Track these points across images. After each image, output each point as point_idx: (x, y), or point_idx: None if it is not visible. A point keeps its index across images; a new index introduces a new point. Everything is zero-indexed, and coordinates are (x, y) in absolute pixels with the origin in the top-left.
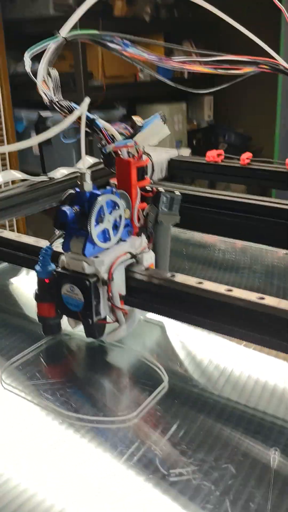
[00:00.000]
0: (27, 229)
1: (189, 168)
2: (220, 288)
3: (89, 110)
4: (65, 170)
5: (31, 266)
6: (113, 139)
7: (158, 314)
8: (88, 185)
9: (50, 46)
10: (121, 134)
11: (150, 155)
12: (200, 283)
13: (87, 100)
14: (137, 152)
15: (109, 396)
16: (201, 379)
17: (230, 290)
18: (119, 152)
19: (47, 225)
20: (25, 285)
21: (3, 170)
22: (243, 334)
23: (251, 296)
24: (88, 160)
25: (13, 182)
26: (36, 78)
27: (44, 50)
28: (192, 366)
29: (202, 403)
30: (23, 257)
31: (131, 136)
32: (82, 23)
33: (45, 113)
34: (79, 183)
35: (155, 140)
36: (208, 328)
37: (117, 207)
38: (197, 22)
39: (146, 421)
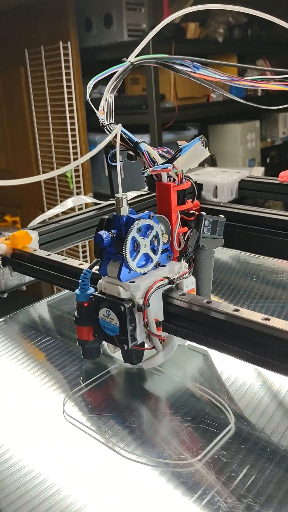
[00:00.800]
0: None
1: (261, 189)
2: (256, 317)
3: (160, 132)
4: (133, 193)
5: None
6: (154, 162)
7: (194, 342)
8: (124, 210)
9: (116, 72)
10: (163, 157)
11: (191, 178)
12: (236, 310)
13: (118, 126)
14: (177, 175)
15: (172, 435)
16: (268, 424)
17: (267, 319)
18: (160, 176)
19: None
20: None
21: (77, 193)
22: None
23: None
24: None
25: (86, 205)
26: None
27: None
28: (252, 406)
29: (271, 451)
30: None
31: (171, 160)
32: (156, 47)
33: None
34: (116, 207)
35: (195, 163)
36: (246, 360)
37: (154, 232)
38: (271, 40)
39: (211, 466)
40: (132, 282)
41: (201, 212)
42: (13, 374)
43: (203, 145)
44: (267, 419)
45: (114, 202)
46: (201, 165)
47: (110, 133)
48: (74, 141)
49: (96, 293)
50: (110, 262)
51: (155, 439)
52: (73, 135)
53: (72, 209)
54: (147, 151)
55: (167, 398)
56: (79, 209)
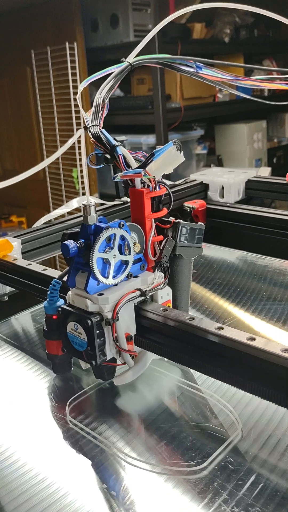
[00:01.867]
0: None
1: (268, 189)
2: (241, 337)
3: (166, 132)
4: None
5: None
6: (129, 167)
7: (169, 359)
8: (92, 218)
9: (113, 72)
10: (139, 162)
11: (166, 185)
12: (220, 328)
13: (81, 130)
14: (150, 181)
15: (178, 440)
16: (276, 430)
17: (253, 339)
18: (133, 182)
19: None
20: None
21: (83, 192)
22: (270, 394)
23: (276, 348)
24: None
25: None
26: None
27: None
28: (259, 411)
29: (279, 457)
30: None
31: (143, 165)
32: (162, 48)
33: (120, 137)
34: (83, 215)
35: (170, 168)
36: (225, 381)
37: (125, 241)
38: (277, 40)
39: (217, 473)
40: (101, 294)
41: (177, 220)
42: (16, 378)
43: (177, 150)
44: (274, 425)
45: (120, 202)
46: (208, 165)
47: (90, 134)
48: (80, 141)
49: (64, 306)
50: (78, 273)
51: (160, 445)
52: (79, 136)
53: (77, 210)
54: (123, 155)
55: (172, 402)
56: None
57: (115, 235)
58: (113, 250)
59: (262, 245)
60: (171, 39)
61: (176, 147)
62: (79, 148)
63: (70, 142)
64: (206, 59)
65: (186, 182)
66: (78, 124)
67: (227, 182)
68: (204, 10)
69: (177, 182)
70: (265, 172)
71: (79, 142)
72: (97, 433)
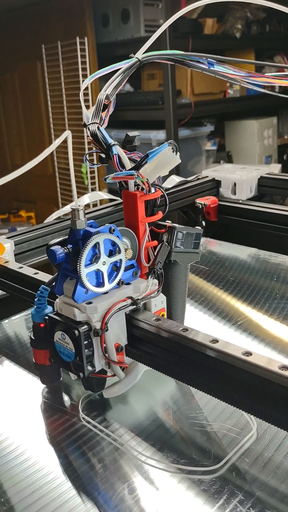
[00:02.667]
0: None
1: (280, 186)
2: (237, 351)
3: (176, 128)
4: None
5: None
6: (123, 168)
7: (161, 371)
8: (81, 222)
9: (121, 68)
10: (134, 163)
11: (161, 187)
12: (214, 341)
13: (67, 132)
14: (144, 184)
15: (192, 440)
16: None
17: (249, 354)
18: (127, 184)
19: None
20: None
21: (92, 189)
22: (267, 414)
23: (274, 365)
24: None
25: (101, 202)
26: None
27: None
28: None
29: None
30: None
31: (136, 167)
32: (173, 43)
33: (132, 133)
34: (72, 219)
35: (165, 171)
36: (219, 398)
37: (116, 247)
38: None
39: (232, 474)
40: (89, 303)
41: (173, 224)
42: (27, 375)
43: (173, 151)
44: None
45: None
46: (217, 161)
47: (88, 133)
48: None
49: (51, 314)
50: (67, 279)
51: (174, 444)
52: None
53: (87, 205)
54: (118, 155)
55: (186, 401)
56: (94, 205)
57: (106, 240)
58: (102, 257)
59: (275, 243)
60: (182, 35)
61: (172, 148)
62: (89, 143)
63: (57, 142)
64: (218, 56)
65: (198, 179)
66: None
67: (240, 178)
68: (216, 5)
69: (189, 179)
70: (275, 169)
71: (88, 137)
72: (110, 431)
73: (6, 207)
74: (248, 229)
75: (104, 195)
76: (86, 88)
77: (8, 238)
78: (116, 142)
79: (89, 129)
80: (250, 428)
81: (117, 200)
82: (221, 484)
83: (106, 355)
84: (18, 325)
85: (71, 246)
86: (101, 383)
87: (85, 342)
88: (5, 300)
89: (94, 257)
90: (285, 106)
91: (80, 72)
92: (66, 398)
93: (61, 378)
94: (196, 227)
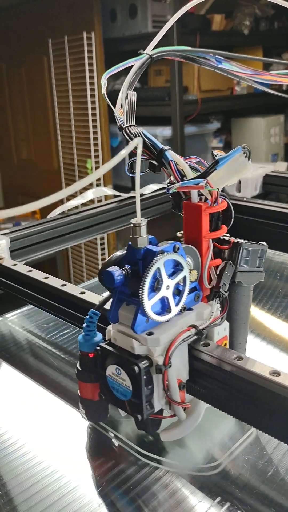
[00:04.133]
0: (117, 243)
1: (285, 184)
2: None
3: (182, 124)
4: (154, 186)
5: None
6: (183, 176)
7: (222, 409)
8: (142, 240)
9: (134, 65)
10: (194, 170)
11: (227, 197)
12: (275, 374)
13: (139, 139)
14: (211, 194)
15: (191, 437)
16: None
17: None
18: (188, 194)
19: None
20: None
21: (97, 185)
22: None
23: None
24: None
25: (105, 198)
26: (114, 97)
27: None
28: None
29: None
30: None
31: (204, 174)
32: (180, 39)
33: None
34: (132, 236)
35: (235, 179)
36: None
37: (180, 268)
38: None
39: (231, 471)
40: (150, 334)
41: (237, 239)
42: (20, 375)
43: (245, 156)
44: None
45: (134, 195)
46: None
47: (128, 137)
48: (95, 133)
49: (103, 344)
50: (122, 305)
51: (173, 441)
52: (94, 127)
53: (91, 201)
54: (174, 161)
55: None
56: (98, 201)
57: (170, 261)
58: (168, 280)
59: (279, 241)
60: (190, 31)
61: (245, 153)
62: (94, 139)
63: (126, 151)
64: (225, 52)
65: None
66: (94, 115)
67: (245, 176)
68: (224, 1)
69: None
70: (282, 167)
71: (94, 133)
72: (110, 428)
73: (11, 202)
74: (252, 227)
75: (108, 191)
76: (93, 83)
77: (3, 234)
78: (168, 147)
79: (130, 132)
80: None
81: (121, 196)
82: (219, 481)
83: (168, 393)
84: (13, 323)
85: (129, 266)
86: (156, 423)
87: (145, 379)
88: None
89: (157, 281)
90: None
91: (87, 67)
92: (68, 395)
93: (108, 415)
94: (261, 242)
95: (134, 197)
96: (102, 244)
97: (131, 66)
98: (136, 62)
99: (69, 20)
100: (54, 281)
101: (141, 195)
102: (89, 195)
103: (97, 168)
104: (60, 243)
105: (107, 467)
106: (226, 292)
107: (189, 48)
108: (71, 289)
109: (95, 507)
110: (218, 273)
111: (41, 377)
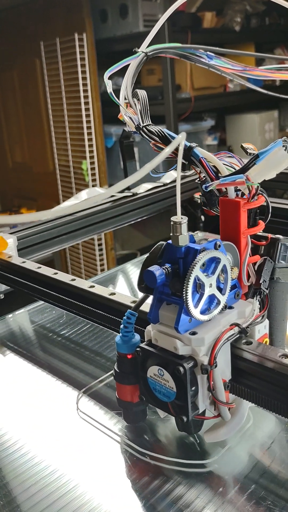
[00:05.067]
0: (114, 242)
1: (281, 180)
2: None
3: (176, 123)
4: (148, 185)
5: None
6: (216, 172)
7: (266, 408)
8: (184, 238)
9: (131, 64)
10: (225, 165)
11: (264, 192)
12: None
13: (184, 134)
14: (249, 190)
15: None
16: None
17: None
18: (224, 190)
19: (133, 238)
20: None
21: (93, 184)
22: None
23: None
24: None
25: None
26: (106, 98)
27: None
28: None
29: None
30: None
31: (243, 169)
32: (172, 37)
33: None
34: (172, 235)
35: (273, 173)
36: None
37: (222, 266)
38: None
39: (227, 467)
40: (194, 333)
41: (275, 235)
42: (25, 371)
43: (285, 150)
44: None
45: (129, 194)
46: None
47: (149, 136)
48: (89, 133)
49: (143, 345)
50: (163, 305)
51: (169, 438)
52: (89, 127)
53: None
54: (204, 158)
55: None
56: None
57: (212, 259)
58: (210, 277)
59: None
60: (181, 29)
61: (284, 147)
62: (89, 140)
63: (168, 150)
64: (216, 48)
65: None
66: (87, 115)
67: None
68: None
69: (187, 173)
70: None
71: (88, 134)
72: (106, 425)
73: (7, 205)
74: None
75: (102, 190)
76: (86, 84)
77: (11, 233)
78: (195, 144)
79: (149, 131)
80: (248, 419)
81: (115, 196)
82: (215, 478)
83: (213, 393)
84: (22, 319)
85: (169, 265)
86: (199, 424)
87: (190, 380)
88: (9, 295)
89: (200, 280)
90: (286, 99)
91: (79, 69)
92: (65, 393)
93: (147, 417)
94: None
95: (128, 196)
96: (99, 244)
97: (127, 66)
98: (132, 61)
99: (60, 22)
100: (64, 276)
101: (135, 194)
102: (83, 195)
103: (92, 169)
104: (57, 244)
105: (108, 465)
106: (266, 289)
107: (179, 44)
108: (81, 283)
109: (95, 505)
110: (256, 269)
111: (50, 370)
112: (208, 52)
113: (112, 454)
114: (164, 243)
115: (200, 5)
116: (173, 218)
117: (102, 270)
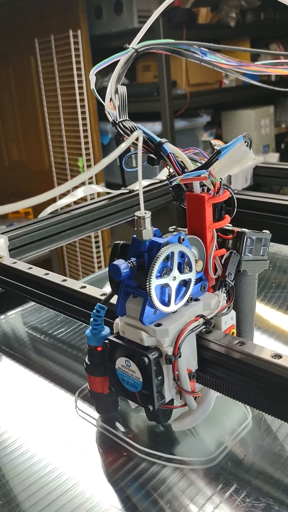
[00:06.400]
0: (111, 239)
1: (276, 175)
2: None
3: (172, 119)
4: (144, 182)
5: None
6: (183, 168)
7: (234, 398)
8: (147, 232)
9: (120, 60)
10: (193, 161)
11: (229, 187)
12: (276, 356)
13: (139, 131)
14: (213, 185)
15: (187, 430)
16: None
17: None
18: (190, 186)
19: (130, 235)
20: None
21: (89, 183)
22: None
23: None
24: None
25: (99, 195)
26: (102, 95)
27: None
28: None
29: None
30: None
31: (206, 165)
32: (166, 33)
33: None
34: (137, 229)
35: (236, 168)
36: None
37: (186, 259)
38: (284, 24)
39: (227, 463)
40: (158, 325)
41: (241, 229)
42: (24, 370)
43: (247, 145)
44: None
45: (126, 191)
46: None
47: (123, 131)
48: (85, 131)
49: (111, 337)
50: (129, 297)
51: (169, 435)
52: (84, 125)
53: (83, 199)
54: (173, 154)
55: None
56: (91, 199)
57: (174, 253)
58: (173, 271)
59: (271, 232)
60: (176, 24)
61: (245, 142)
62: (85, 137)
63: (125, 145)
64: (210, 44)
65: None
66: (83, 113)
67: (246, 165)
68: None
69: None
70: (273, 158)
71: (84, 131)
72: (106, 423)
73: (3, 204)
74: (244, 219)
75: (99, 188)
76: (81, 81)
77: (2, 233)
78: (165, 139)
79: (124, 127)
80: (245, 417)
81: (112, 193)
82: (216, 473)
83: (178, 383)
84: (14, 321)
85: (134, 259)
86: (167, 413)
87: (155, 370)
88: (0, 296)
89: (164, 272)
90: (282, 95)
91: (74, 66)
92: (64, 391)
93: (118, 407)
94: (264, 231)
95: (124, 193)
96: (96, 242)
97: (118, 62)
98: (122, 57)
99: (55, 19)
100: (55, 277)
101: (132, 191)
102: (79, 193)
103: (88, 166)
104: (53, 242)
105: (108, 462)
106: (232, 281)
107: (172, 40)
108: (72, 284)
109: (95, 503)
110: (223, 263)
111: (45, 372)
112: (202, 48)
113: (112, 453)
114: (121, 242)
115: (195, 0)
116: (136, 213)
117: (100, 267)
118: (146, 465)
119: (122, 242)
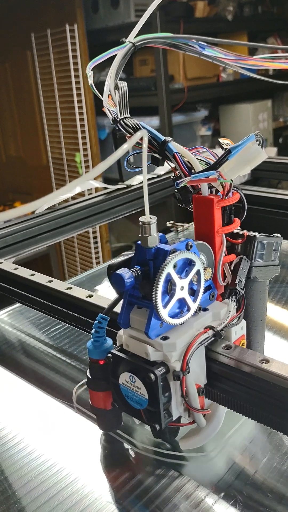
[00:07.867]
0: (110, 234)
1: (275, 169)
2: None
3: (169, 113)
4: (140, 177)
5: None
6: (190, 168)
7: (242, 414)
8: (153, 239)
9: (117, 54)
10: (200, 161)
11: (239, 189)
12: None
13: (143, 131)
14: (222, 186)
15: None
16: None
17: None
18: (198, 187)
19: (128, 230)
20: None
21: None
22: None
23: None
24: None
25: (96, 190)
26: (101, 91)
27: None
28: None
29: None
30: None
31: (215, 165)
32: (164, 27)
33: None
34: (141, 235)
35: (247, 168)
36: None
37: (194, 266)
38: (282, 17)
39: (227, 458)
40: (165, 338)
41: (252, 233)
42: (21, 365)
43: (259, 144)
44: None
45: (123, 186)
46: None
47: (125, 130)
48: (82, 125)
49: (114, 351)
50: (133, 308)
51: (167, 429)
52: (81, 119)
53: (80, 194)
54: (179, 153)
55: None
56: (88, 194)
57: (184, 260)
58: (182, 280)
59: (269, 226)
60: (173, 18)
61: (257, 141)
62: (82, 132)
63: (128, 145)
64: (209, 38)
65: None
66: (80, 107)
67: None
68: None
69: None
70: (271, 152)
71: (81, 126)
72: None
73: (2, 199)
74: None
75: (96, 183)
76: (78, 76)
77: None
78: (171, 138)
79: (126, 125)
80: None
81: (109, 188)
82: (215, 469)
83: (186, 400)
84: (2, 322)
85: (139, 267)
86: (174, 431)
87: (162, 386)
88: None
89: (170, 282)
90: (280, 89)
91: (71, 60)
92: (61, 387)
93: (122, 423)
94: (275, 234)
95: (122, 188)
96: (94, 237)
97: (115, 56)
98: (119, 51)
99: (51, 13)
100: (41, 278)
101: (129, 186)
102: (76, 188)
103: (86, 161)
104: (51, 237)
105: (106, 457)
106: (242, 289)
107: (170, 34)
108: (58, 285)
109: (95, 497)
110: (232, 269)
111: (34, 374)
112: (200, 42)
113: (111, 448)
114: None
115: None
116: (141, 219)
117: (98, 263)
118: (146, 460)
119: (120, 260)
